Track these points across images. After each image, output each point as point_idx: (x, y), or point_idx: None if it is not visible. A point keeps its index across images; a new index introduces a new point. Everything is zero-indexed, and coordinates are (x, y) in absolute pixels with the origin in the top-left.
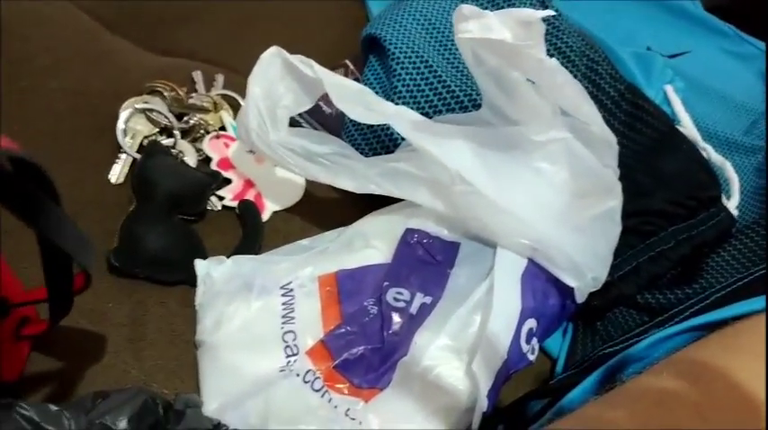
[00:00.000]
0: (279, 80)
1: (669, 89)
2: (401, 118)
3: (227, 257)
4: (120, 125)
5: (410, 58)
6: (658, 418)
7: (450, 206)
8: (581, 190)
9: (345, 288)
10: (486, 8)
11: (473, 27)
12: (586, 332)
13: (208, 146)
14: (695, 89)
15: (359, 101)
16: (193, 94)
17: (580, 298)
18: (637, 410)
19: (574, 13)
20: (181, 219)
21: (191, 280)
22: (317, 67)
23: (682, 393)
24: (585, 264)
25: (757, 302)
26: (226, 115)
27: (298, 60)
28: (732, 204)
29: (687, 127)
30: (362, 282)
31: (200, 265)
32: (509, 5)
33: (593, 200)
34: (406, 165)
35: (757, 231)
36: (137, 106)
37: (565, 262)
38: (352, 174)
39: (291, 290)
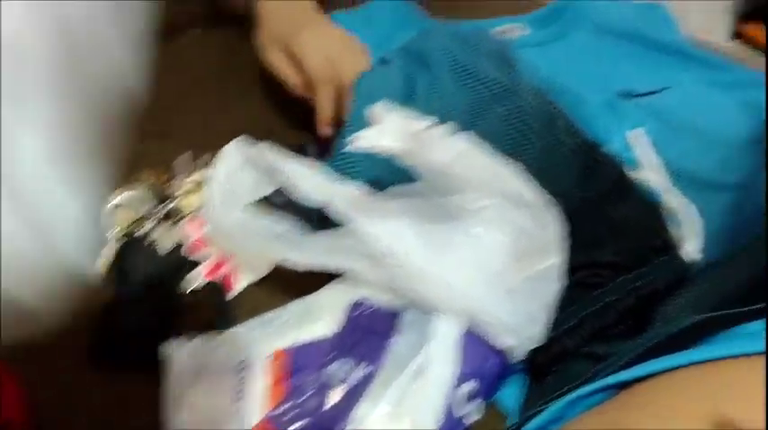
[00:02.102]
0: (240, 169)
1: (633, 135)
2: (341, 198)
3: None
4: (104, 217)
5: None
6: None
7: (388, 278)
8: (516, 252)
9: (296, 362)
10: (456, 67)
11: (368, 135)
12: (536, 386)
13: (183, 229)
14: (670, 127)
15: (307, 183)
16: (175, 178)
17: (519, 355)
18: None
19: (550, 62)
20: (156, 303)
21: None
22: (275, 154)
23: None
24: (518, 324)
25: (661, 362)
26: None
27: (259, 150)
28: (692, 247)
29: (653, 171)
30: (312, 355)
31: (165, 349)
32: (473, 66)
33: (530, 260)
34: (349, 241)
35: (714, 275)
36: (118, 199)
37: (497, 325)
38: (301, 250)
39: (245, 367)
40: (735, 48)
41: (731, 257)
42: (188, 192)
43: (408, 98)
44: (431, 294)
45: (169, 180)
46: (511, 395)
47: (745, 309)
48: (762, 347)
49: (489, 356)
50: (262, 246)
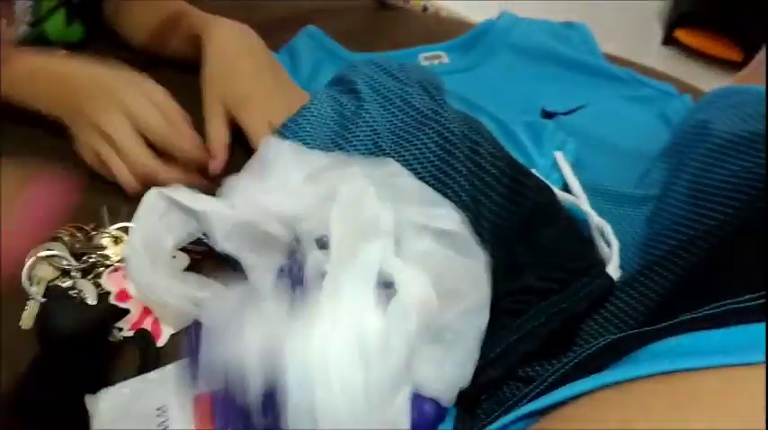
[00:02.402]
0: (160, 220)
1: (559, 156)
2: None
3: None
4: (25, 274)
5: None
6: None
7: None
8: (440, 293)
9: (219, 406)
10: (381, 95)
11: None
12: (467, 416)
13: (107, 280)
14: (588, 145)
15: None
16: (96, 231)
17: (450, 401)
18: None
19: (473, 87)
20: (83, 357)
21: None
22: (192, 198)
23: None
24: (447, 370)
25: (573, 387)
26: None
27: (179, 194)
28: (612, 266)
29: (575, 191)
30: (236, 404)
31: (89, 400)
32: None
33: (456, 298)
34: None
35: (633, 289)
36: (39, 254)
37: (424, 377)
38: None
39: (166, 412)
40: (667, 54)
41: (648, 270)
42: (112, 243)
43: (339, 125)
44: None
45: (92, 231)
46: (443, 426)
47: (655, 327)
48: (666, 367)
49: (423, 410)
50: (182, 308)
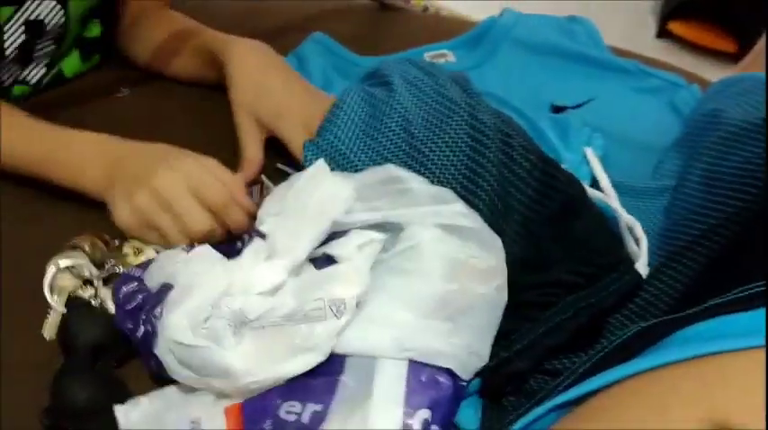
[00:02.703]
0: None
1: (589, 152)
2: None
3: None
4: (46, 283)
5: None
6: None
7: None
8: (454, 279)
9: (249, 415)
10: (414, 85)
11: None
12: (494, 407)
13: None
14: (603, 138)
15: None
16: (116, 241)
17: (466, 375)
18: None
19: (482, 84)
20: (105, 366)
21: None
22: None
23: None
24: (461, 348)
25: (607, 376)
26: (145, 257)
27: None
28: (641, 263)
29: (605, 189)
30: (264, 404)
31: (118, 411)
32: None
33: (471, 285)
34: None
35: (659, 280)
36: (60, 263)
37: (439, 353)
38: None
39: (200, 424)
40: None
41: (672, 261)
42: (133, 253)
43: (370, 116)
44: (370, 337)
45: (110, 242)
46: (469, 417)
47: (683, 313)
48: (696, 351)
49: (438, 383)
50: None
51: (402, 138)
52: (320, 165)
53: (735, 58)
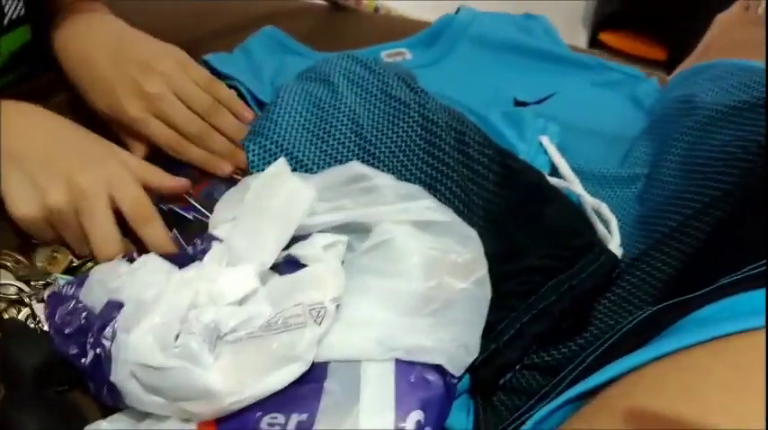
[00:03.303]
0: None
1: (545, 140)
2: None
3: None
4: None
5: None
6: None
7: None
8: (434, 274)
9: None
10: (360, 87)
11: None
12: (486, 406)
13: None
14: (567, 130)
15: None
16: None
17: (456, 371)
18: None
19: (439, 81)
20: (56, 392)
21: None
22: None
23: None
24: (446, 342)
25: (621, 364)
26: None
27: None
28: (614, 244)
29: (565, 174)
30: (242, 420)
31: None
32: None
33: (452, 278)
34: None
35: (642, 267)
36: None
37: (423, 347)
38: None
39: None
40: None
41: (655, 248)
42: (47, 263)
43: (317, 117)
44: (353, 341)
45: (31, 257)
46: (460, 420)
47: (690, 296)
48: (722, 331)
49: (428, 382)
50: None
51: (354, 142)
52: (281, 164)
53: (665, 64)
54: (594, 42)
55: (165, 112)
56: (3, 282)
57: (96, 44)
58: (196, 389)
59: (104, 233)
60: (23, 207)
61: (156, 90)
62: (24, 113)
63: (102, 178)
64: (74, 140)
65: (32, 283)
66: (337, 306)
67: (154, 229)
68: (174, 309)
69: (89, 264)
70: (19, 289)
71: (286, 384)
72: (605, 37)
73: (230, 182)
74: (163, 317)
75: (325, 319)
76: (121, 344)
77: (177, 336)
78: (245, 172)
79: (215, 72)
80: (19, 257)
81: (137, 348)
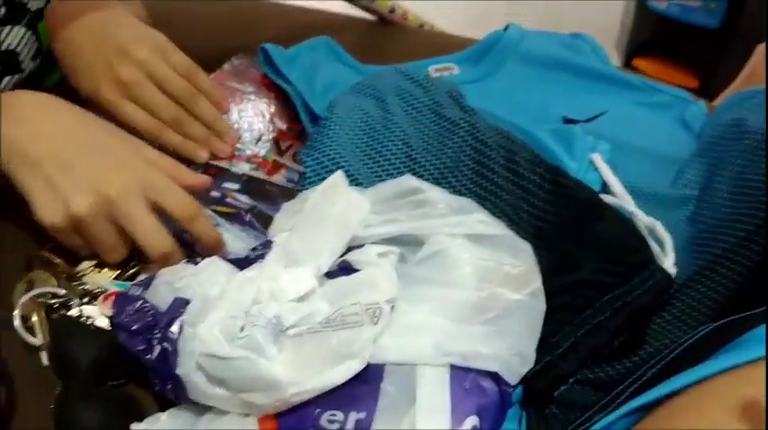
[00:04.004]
0: None
1: (596, 157)
2: None
3: None
4: (17, 321)
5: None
6: None
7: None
8: (487, 284)
9: (285, 426)
10: (410, 105)
11: None
12: (539, 417)
13: (102, 306)
14: (617, 149)
15: None
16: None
17: (511, 379)
18: None
19: (486, 98)
20: (111, 386)
21: None
22: None
23: None
24: (501, 347)
25: (685, 377)
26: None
27: None
28: (669, 263)
29: (618, 192)
30: (301, 415)
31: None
32: (427, 103)
33: (505, 289)
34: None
35: (697, 287)
36: (26, 298)
37: (479, 353)
38: None
39: None
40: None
41: (708, 269)
42: (90, 271)
43: (369, 136)
44: (410, 347)
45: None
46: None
47: (752, 313)
48: None
49: (483, 389)
50: None
51: (403, 162)
52: (338, 176)
53: (696, 93)
54: (627, 68)
55: (141, 97)
56: (40, 290)
57: (82, 28)
58: (260, 380)
59: (155, 234)
60: (48, 216)
61: (129, 75)
62: (40, 106)
63: (134, 182)
64: (95, 140)
65: (75, 286)
66: (392, 307)
67: (203, 224)
68: (238, 304)
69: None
70: (53, 294)
71: (344, 380)
72: (638, 63)
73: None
74: (228, 311)
75: (381, 319)
76: (189, 336)
77: (242, 329)
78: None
79: (270, 63)
80: (56, 260)
81: (204, 340)
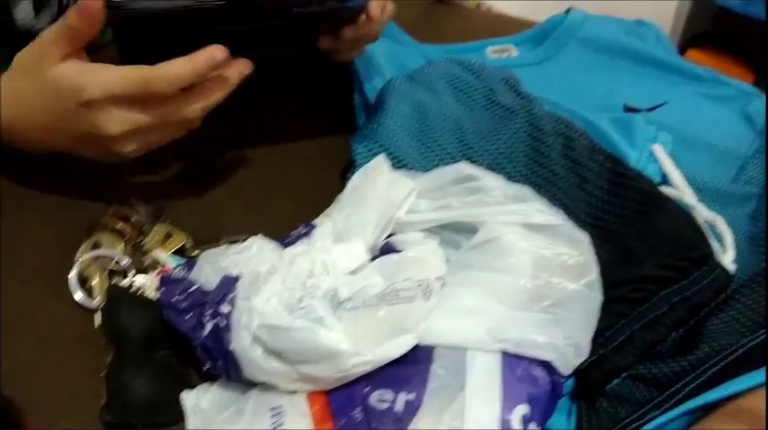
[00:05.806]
0: None
1: (657, 148)
2: None
3: None
4: (73, 280)
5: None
6: None
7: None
8: (544, 274)
9: (336, 402)
10: (463, 92)
11: None
12: (590, 411)
13: (155, 280)
14: (679, 141)
15: None
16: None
17: (565, 370)
18: None
19: (545, 81)
20: (163, 355)
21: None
22: None
23: None
24: (555, 336)
25: (747, 380)
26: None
27: None
28: (728, 259)
29: (678, 185)
30: (351, 392)
31: (187, 398)
32: (481, 90)
33: (562, 280)
34: None
35: (756, 288)
36: (86, 256)
37: (533, 341)
38: None
39: (281, 412)
40: None
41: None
42: (157, 240)
43: (421, 123)
44: (462, 331)
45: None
46: (560, 423)
47: None
48: None
49: (535, 378)
50: None
51: (457, 149)
52: (380, 158)
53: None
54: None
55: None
56: (106, 252)
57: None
58: (322, 350)
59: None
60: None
61: (114, 126)
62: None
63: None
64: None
65: (136, 256)
66: (442, 285)
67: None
68: (294, 276)
69: (197, 251)
70: (116, 261)
71: (399, 354)
72: (693, 55)
73: None
74: (284, 283)
75: (433, 295)
76: (244, 309)
77: (300, 300)
78: None
79: None
80: (120, 226)
81: (263, 311)
